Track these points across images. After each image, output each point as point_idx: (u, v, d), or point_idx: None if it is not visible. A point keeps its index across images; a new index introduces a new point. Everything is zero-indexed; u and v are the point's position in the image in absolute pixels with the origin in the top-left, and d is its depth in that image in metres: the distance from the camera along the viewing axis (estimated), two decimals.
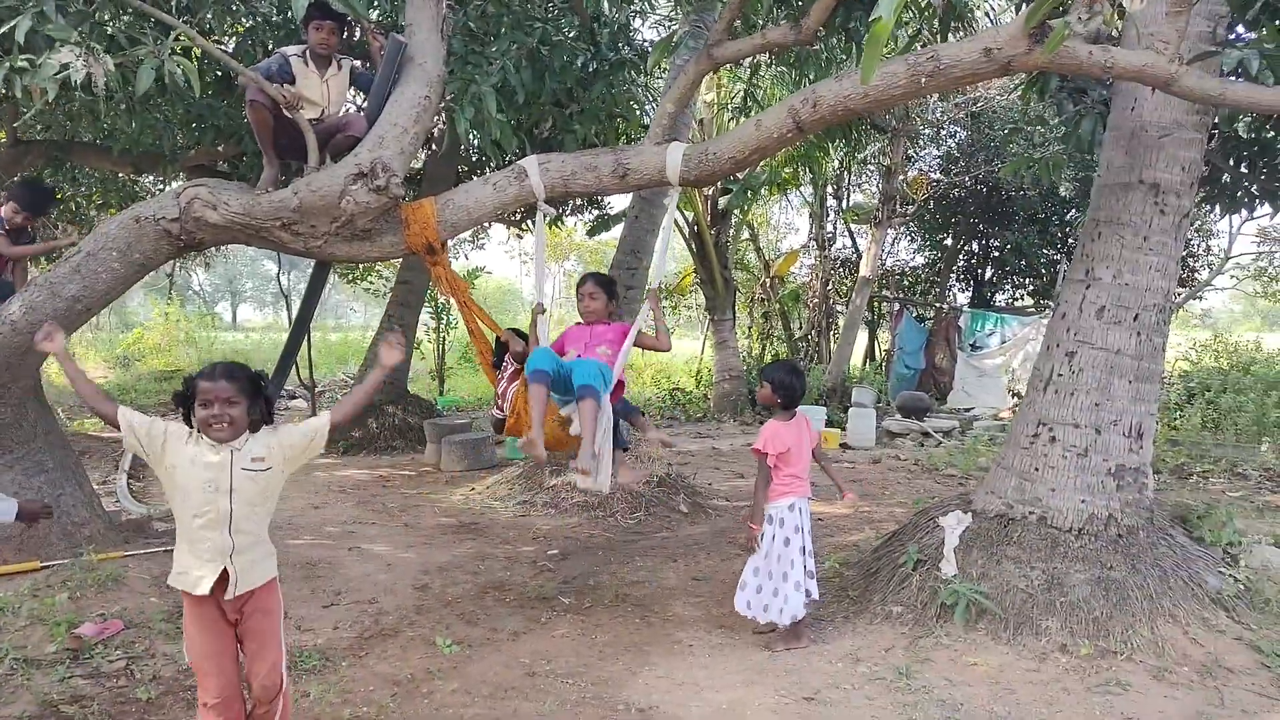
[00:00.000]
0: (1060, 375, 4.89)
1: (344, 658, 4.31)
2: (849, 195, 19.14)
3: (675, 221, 12.80)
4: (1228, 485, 8.53)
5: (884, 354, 17.75)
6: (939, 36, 5.74)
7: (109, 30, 4.24)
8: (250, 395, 2.84)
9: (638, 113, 8.56)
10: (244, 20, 6.72)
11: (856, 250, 18.95)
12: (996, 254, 17.95)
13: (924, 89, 4.10)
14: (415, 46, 4.71)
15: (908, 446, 11.79)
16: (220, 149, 8.84)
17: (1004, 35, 3.93)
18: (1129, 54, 3.90)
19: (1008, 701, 3.86)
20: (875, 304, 17.96)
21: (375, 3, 6.83)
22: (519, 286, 40.94)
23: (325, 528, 6.82)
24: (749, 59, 8.13)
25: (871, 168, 17.78)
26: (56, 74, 3.56)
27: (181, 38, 4.15)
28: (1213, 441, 10.74)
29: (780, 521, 4.38)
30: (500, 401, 4.89)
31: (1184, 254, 5.01)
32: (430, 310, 14.61)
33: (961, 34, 6.25)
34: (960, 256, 18.57)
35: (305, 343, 8.85)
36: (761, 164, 8.10)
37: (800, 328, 18.91)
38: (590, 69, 6.76)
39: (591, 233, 13.42)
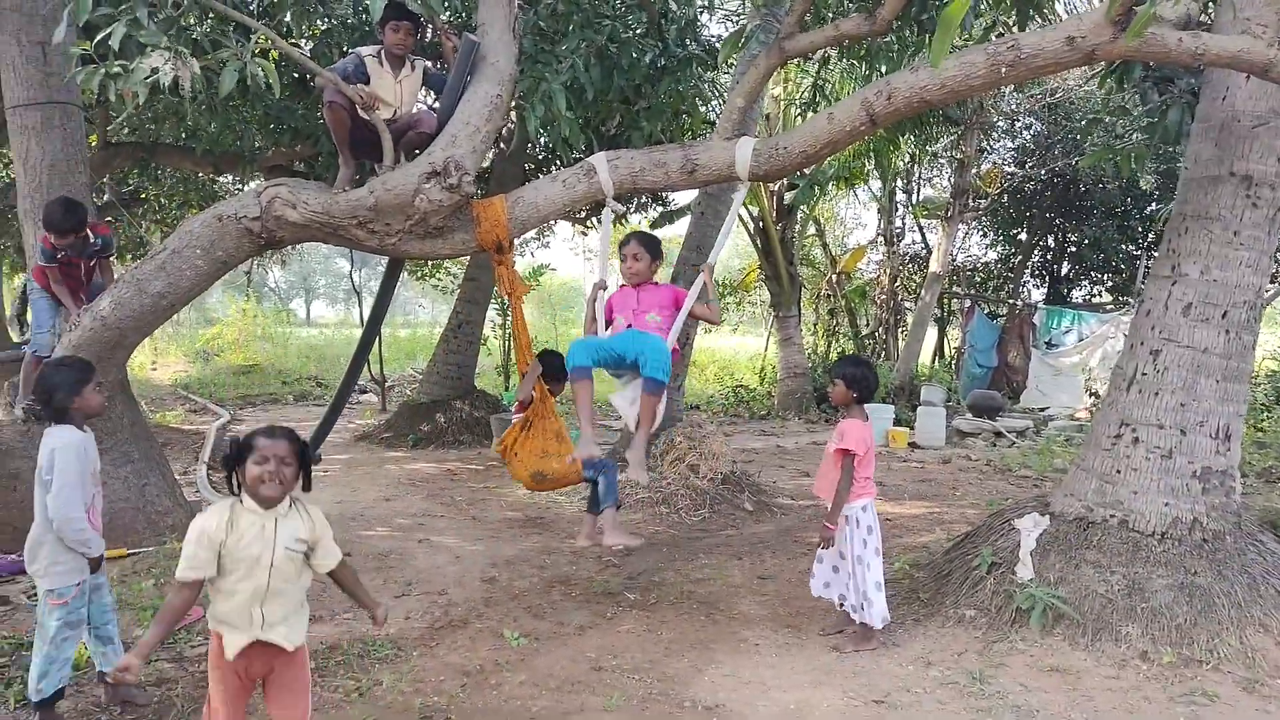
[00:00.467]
0: (1144, 374, 4.73)
1: (415, 647, 4.39)
2: (919, 189, 18.78)
3: (740, 216, 12.72)
4: None
5: (954, 352, 17.40)
6: (1016, 26, 5.58)
7: (193, 34, 4.38)
8: (301, 461, 2.79)
9: (703, 109, 8.54)
10: (320, 22, 6.88)
11: (926, 245, 18.60)
12: (1073, 249, 17.44)
13: (1004, 79, 4.00)
14: (488, 46, 4.75)
15: (979, 446, 11.53)
16: (297, 149, 9.09)
17: (1087, 23, 3.81)
18: (1222, 39, 3.74)
19: (1086, 709, 3.75)
20: (945, 300, 17.60)
21: (447, 3, 6.93)
22: (582, 283, 41.20)
23: (396, 519, 6.95)
24: (818, 52, 8.02)
25: (943, 161, 17.42)
26: (147, 78, 3.69)
27: (261, 40, 4.27)
28: None
29: (856, 522, 4.33)
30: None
31: (1277, 249, 4.77)
32: (497, 307, 14.77)
33: (1039, 24, 6.07)
34: (1035, 252, 18.10)
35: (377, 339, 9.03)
36: (829, 158, 8.00)
37: (867, 324, 18.65)
38: (658, 65, 6.75)
39: (654, 227, 13.43)
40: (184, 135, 9.11)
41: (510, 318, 5.53)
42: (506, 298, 4.97)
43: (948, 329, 18.45)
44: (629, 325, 4.51)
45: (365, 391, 15.42)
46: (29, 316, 5.35)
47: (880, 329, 18.12)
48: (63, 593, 3.40)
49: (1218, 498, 4.56)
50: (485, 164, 11.35)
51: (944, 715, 3.73)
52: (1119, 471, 4.69)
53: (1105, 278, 17.75)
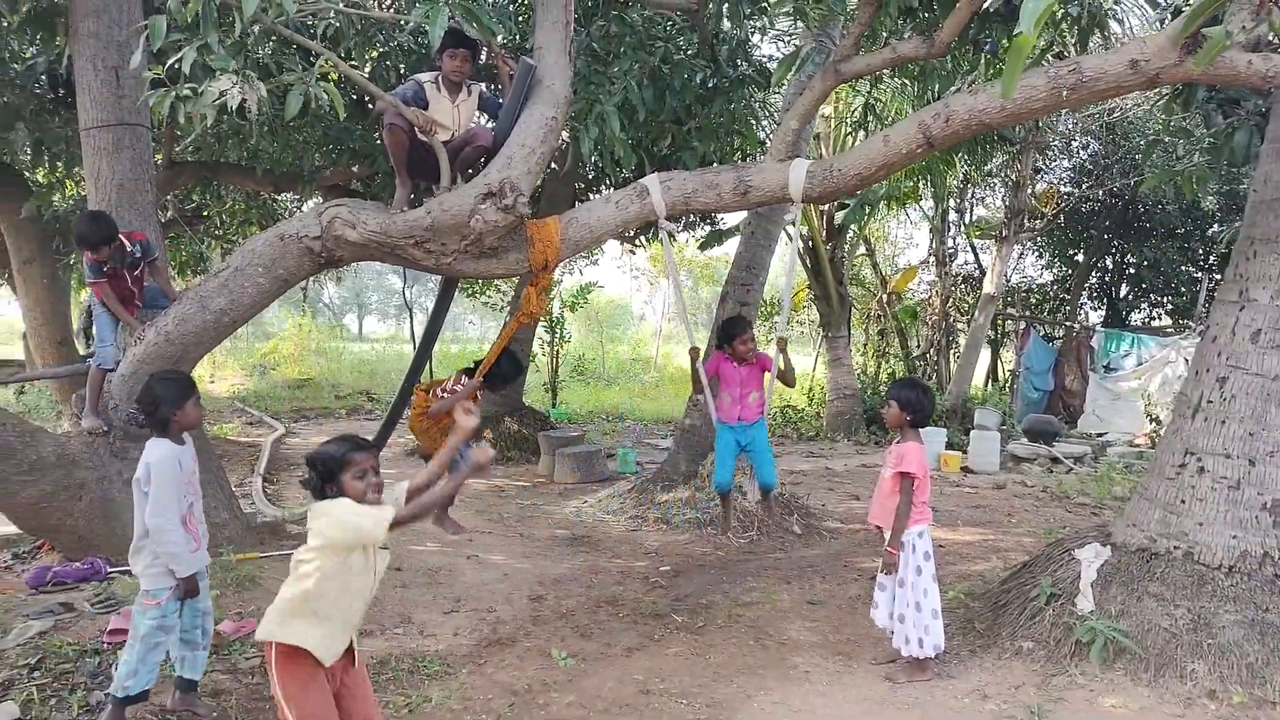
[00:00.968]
0: (1210, 402, 4.59)
1: (463, 665, 4.40)
2: (972, 209, 18.53)
3: (788, 234, 12.66)
4: None
5: (1008, 374, 17.08)
6: (1077, 48, 5.50)
7: (258, 58, 4.51)
8: None
9: (756, 129, 8.53)
10: (379, 47, 7.03)
11: (979, 266, 18.32)
12: (1132, 270, 17.05)
13: (1065, 102, 3.94)
14: (544, 69, 4.81)
15: (1035, 472, 11.27)
16: (354, 169, 9.28)
17: (1152, 45, 3.74)
18: None
19: None
20: (999, 322, 17.30)
21: (503, 27, 7.03)
22: (629, 301, 41.38)
23: (445, 535, 6.99)
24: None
25: (996, 180, 17.17)
26: (215, 100, 3.80)
27: (324, 64, 4.37)
28: None
29: (913, 548, 4.25)
30: (433, 400, 5.12)
31: None
32: (545, 324, 14.90)
33: (1100, 46, 5.98)
34: (1093, 273, 17.72)
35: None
36: None
37: (918, 345, 18.39)
38: (710, 86, 6.77)
39: (703, 247, 13.43)
40: (246, 155, 9.36)
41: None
42: (528, 315, 5.10)
43: (1001, 351, 18.12)
44: (734, 402, 5.38)
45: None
46: (94, 331, 5.51)
47: (931, 350, 17.85)
48: (156, 594, 3.50)
49: None
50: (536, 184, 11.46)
51: None
52: (1184, 502, 4.55)
53: (1165, 300, 17.30)
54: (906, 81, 10.56)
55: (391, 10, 6.76)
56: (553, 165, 10.29)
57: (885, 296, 17.91)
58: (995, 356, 18.27)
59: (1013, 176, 15.43)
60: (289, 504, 7.82)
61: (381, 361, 23.63)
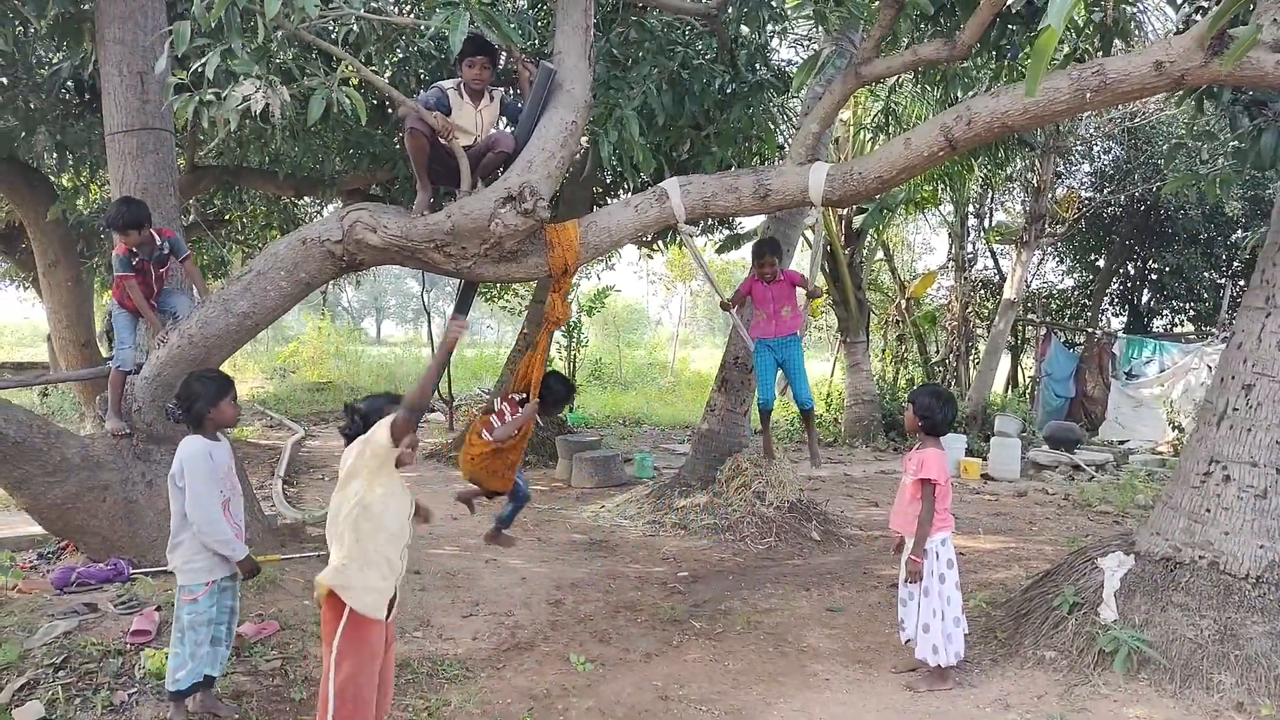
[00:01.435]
0: (1236, 410, 4.53)
1: (483, 669, 4.40)
2: (992, 214, 18.42)
3: (807, 239, 12.59)
4: None
5: (1029, 381, 16.95)
6: (1101, 52, 5.45)
7: (281, 63, 4.53)
8: None
9: (775, 133, 8.52)
10: (400, 52, 7.07)
11: (999, 271, 18.20)
12: (1154, 276, 16.89)
13: (1088, 105, 3.90)
14: (564, 73, 4.81)
15: (1056, 480, 11.18)
16: (375, 173, 9.33)
17: (1177, 47, 3.70)
18: None
19: None
20: (1019, 328, 17.17)
21: (523, 32, 7.06)
22: (646, 305, 41.41)
23: (463, 539, 7.01)
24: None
25: (1016, 185, 17.05)
26: (239, 105, 3.83)
27: (346, 69, 4.39)
28: None
29: (935, 555, 4.22)
30: (496, 425, 4.67)
31: None
32: (562, 329, 14.90)
33: (1122, 48, 5.91)
34: (1114, 279, 17.57)
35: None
36: None
37: (937, 351, 18.28)
38: (729, 90, 6.77)
39: (721, 250, 13.40)
40: (267, 160, 9.44)
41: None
42: (554, 322, 4.90)
43: (1022, 357, 17.98)
44: (769, 318, 5.80)
45: (433, 411, 15.65)
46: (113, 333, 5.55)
47: (951, 356, 17.74)
48: (193, 590, 3.58)
49: None
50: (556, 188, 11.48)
51: None
52: (1209, 510, 4.50)
53: (1188, 306, 17.13)
54: (927, 86, 10.51)
55: (412, 16, 6.79)
56: (571, 169, 10.32)
57: (903, 302, 17.82)
58: (1015, 363, 18.13)
59: (1033, 181, 15.33)
60: (309, 506, 7.85)
61: (400, 365, 23.72)
